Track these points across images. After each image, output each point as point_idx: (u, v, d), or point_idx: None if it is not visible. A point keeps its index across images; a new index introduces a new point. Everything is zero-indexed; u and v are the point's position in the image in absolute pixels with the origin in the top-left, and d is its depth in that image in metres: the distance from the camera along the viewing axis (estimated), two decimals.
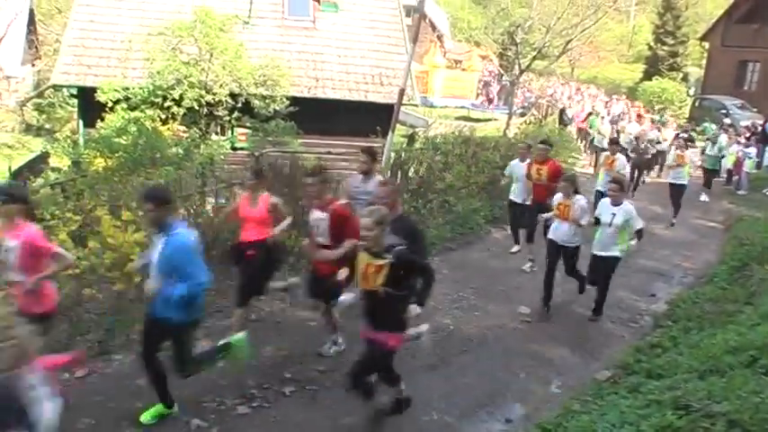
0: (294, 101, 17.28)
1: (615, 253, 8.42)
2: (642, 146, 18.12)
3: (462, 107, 36.15)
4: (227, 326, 7.94)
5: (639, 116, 24.68)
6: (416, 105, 23.03)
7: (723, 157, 19.69)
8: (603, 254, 8.49)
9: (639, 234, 8.54)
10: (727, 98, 32.47)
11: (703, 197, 18.04)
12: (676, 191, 14.95)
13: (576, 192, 8.61)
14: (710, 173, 19.05)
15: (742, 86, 35.60)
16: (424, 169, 13.90)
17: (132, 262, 7.02)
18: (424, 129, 22.19)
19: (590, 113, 25.50)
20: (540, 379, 7.16)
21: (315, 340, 7.64)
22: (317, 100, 18.55)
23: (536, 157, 10.69)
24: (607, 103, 32.88)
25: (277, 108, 17.01)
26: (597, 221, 8.51)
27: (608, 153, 13.37)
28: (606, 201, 8.60)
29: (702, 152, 19.90)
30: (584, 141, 24.92)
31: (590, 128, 23.71)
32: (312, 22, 20.36)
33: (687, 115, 33.74)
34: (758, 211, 16.50)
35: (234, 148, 17.41)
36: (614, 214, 8.33)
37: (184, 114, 16.38)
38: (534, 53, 29.24)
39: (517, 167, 11.10)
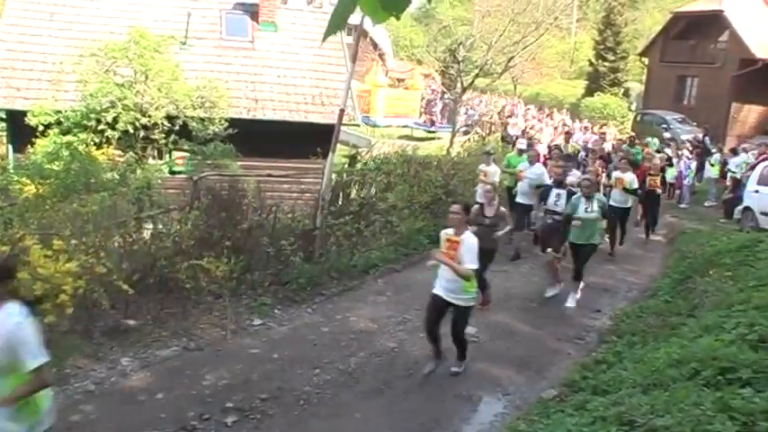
0: (233, 123, 17.14)
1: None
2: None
3: (405, 126, 36.38)
4: (166, 356, 7.86)
5: (568, 134, 25.08)
6: (358, 125, 23.11)
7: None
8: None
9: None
10: (667, 113, 33.39)
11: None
12: (621, 217, 14.15)
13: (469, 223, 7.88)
14: None
15: (681, 101, 36.62)
16: (366, 190, 13.95)
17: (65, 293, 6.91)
18: (367, 149, 22.28)
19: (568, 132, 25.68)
20: (487, 400, 7.23)
21: (257, 368, 7.60)
22: (256, 121, 18.45)
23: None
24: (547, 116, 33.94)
25: (215, 130, 16.86)
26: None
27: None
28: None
29: None
30: None
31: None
32: (251, 43, 20.33)
33: (629, 129, 34.59)
34: (700, 223, 17.05)
35: (172, 172, 17.18)
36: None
37: (119, 138, 16.11)
38: (476, 71, 29.68)
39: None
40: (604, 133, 25.06)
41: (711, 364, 5.79)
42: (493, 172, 13.62)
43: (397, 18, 2.15)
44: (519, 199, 13.30)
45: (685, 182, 21.09)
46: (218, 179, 12.91)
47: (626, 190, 14.04)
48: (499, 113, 35.66)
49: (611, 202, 13.55)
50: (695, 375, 5.92)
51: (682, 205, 20.40)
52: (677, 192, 21.42)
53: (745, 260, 10.27)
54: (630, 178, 14.16)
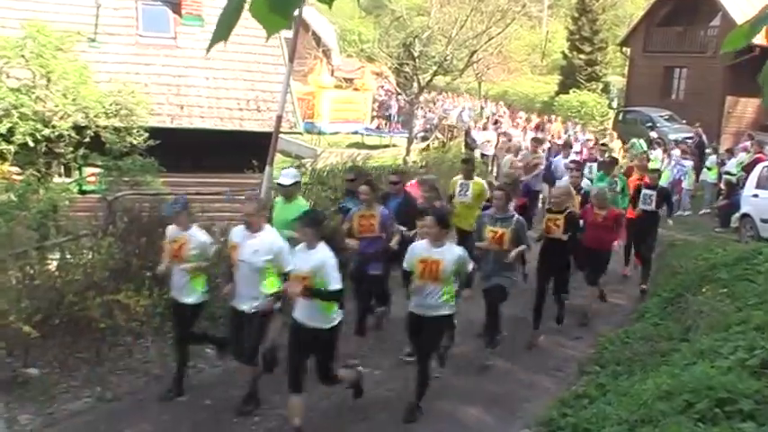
0: (154, 133, 16.96)
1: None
2: None
3: (355, 132, 36.54)
4: (76, 410, 7.69)
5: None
6: (300, 133, 23.09)
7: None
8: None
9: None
10: (653, 109, 33.83)
11: None
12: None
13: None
14: None
15: (669, 96, 37.17)
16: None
17: None
18: (312, 159, 22.27)
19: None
20: None
21: (186, 418, 7.48)
22: (182, 131, 18.31)
23: None
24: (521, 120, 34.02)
25: (134, 142, 16.68)
26: None
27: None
28: None
29: None
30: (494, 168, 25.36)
31: None
32: (173, 39, 20.17)
33: (610, 129, 35.04)
34: (692, 233, 17.27)
35: (82, 192, 16.93)
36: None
37: (17, 153, 15.82)
38: (435, 67, 29.85)
39: None
40: (605, 145, 22.50)
41: (707, 395, 5.85)
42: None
43: (286, 23, 2.20)
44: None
45: (684, 185, 21.24)
46: (138, 199, 12.75)
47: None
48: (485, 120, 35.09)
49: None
50: (688, 408, 5.97)
51: (682, 214, 20.52)
52: (674, 198, 21.57)
53: (743, 274, 10.45)
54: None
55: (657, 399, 6.43)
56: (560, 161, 16.92)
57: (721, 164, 21.09)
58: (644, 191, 13.25)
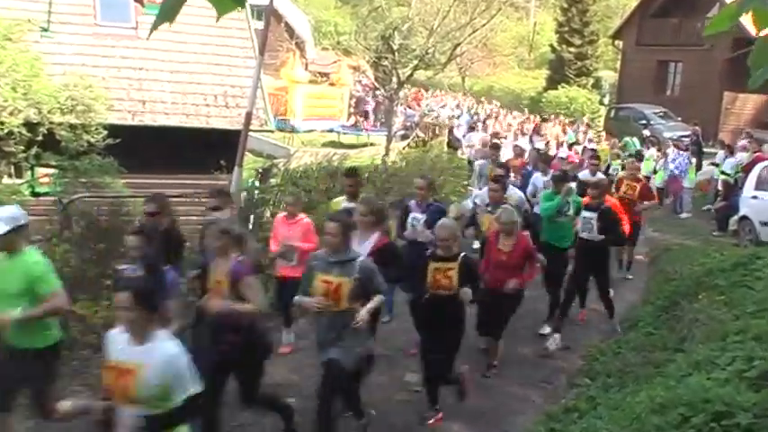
0: (114, 130, 16.91)
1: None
2: None
3: (331, 131, 36.57)
4: None
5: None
6: (272, 131, 23.04)
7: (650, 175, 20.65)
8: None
9: None
10: (647, 106, 34.08)
11: None
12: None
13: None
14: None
15: (664, 91, 37.47)
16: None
17: None
18: (285, 159, 22.22)
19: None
20: None
21: None
22: (144, 128, 18.25)
23: None
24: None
25: (91, 140, 16.60)
26: None
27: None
28: None
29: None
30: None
31: None
32: (134, 29, 20.02)
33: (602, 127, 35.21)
34: (688, 237, 17.34)
35: (35, 194, 16.83)
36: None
37: None
38: (416, 61, 29.87)
39: None
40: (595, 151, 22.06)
41: (703, 409, 5.85)
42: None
43: (242, 5, 2.20)
44: None
45: (685, 183, 21.23)
46: (96, 202, 12.72)
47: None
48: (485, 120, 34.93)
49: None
50: (683, 423, 5.98)
51: (682, 216, 20.57)
52: (668, 199, 21.63)
53: (741, 281, 10.47)
54: None
55: (651, 412, 6.44)
56: (540, 179, 14.05)
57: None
58: (583, 213, 10.96)
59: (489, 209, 10.37)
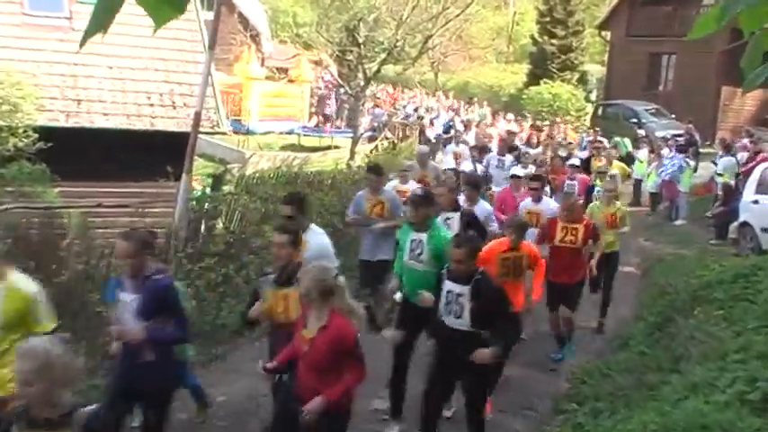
0: (46, 133, 16.75)
1: None
2: None
3: (291, 132, 36.49)
4: None
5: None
6: (225, 133, 22.95)
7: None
8: None
9: None
10: (637, 102, 34.27)
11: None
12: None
13: None
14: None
15: (656, 86, 37.69)
16: (236, 222, 13.83)
17: None
18: (240, 164, 22.15)
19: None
20: None
21: None
22: (80, 131, 18.08)
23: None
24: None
25: (19, 144, 16.45)
26: None
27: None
28: None
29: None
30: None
31: None
32: (68, 20, 19.82)
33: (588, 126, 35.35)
34: (683, 246, 17.40)
35: None
36: None
37: None
38: (383, 55, 29.89)
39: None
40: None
41: None
42: None
43: (181, 12, 2.19)
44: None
45: (681, 188, 21.35)
46: (26, 213, 12.61)
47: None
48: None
49: None
50: None
51: (677, 222, 20.64)
52: (663, 205, 21.74)
53: (742, 294, 10.52)
54: None
55: None
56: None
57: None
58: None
59: None
